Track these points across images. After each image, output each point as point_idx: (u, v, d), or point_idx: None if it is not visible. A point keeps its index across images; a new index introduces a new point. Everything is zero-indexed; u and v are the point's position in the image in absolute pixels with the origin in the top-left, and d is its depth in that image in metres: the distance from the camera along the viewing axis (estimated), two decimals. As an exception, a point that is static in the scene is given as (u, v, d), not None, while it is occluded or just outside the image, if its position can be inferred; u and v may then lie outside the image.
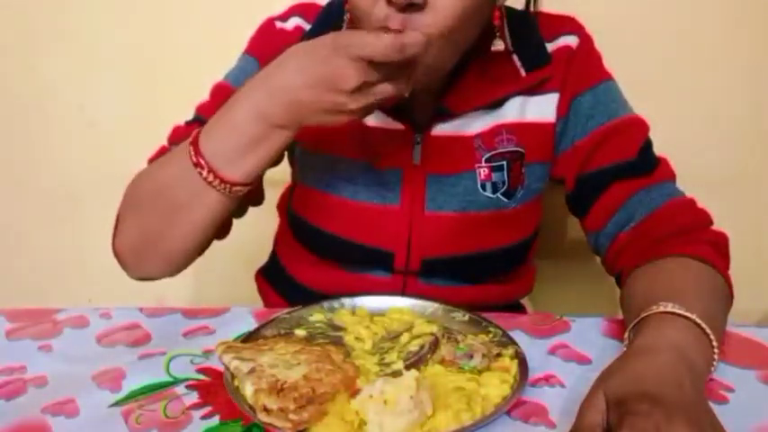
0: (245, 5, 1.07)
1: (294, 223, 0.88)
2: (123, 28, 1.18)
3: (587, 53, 0.81)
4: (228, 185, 0.65)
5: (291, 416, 0.54)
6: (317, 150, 0.82)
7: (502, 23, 0.76)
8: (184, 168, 0.65)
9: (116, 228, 0.75)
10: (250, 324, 0.73)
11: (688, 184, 0.79)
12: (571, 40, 0.80)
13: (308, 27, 0.82)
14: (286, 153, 0.89)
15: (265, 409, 0.55)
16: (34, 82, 1.23)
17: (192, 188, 0.65)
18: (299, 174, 0.87)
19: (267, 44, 0.83)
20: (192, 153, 0.64)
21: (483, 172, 0.79)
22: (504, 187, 0.80)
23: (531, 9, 0.78)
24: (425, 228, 0.80)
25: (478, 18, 0.69)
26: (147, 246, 0.72)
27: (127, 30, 1.18)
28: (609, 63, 0.83)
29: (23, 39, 1.20)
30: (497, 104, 0.79)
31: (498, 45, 0.74)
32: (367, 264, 0.84)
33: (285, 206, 0.93)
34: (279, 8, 0.86)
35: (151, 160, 0.79)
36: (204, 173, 0.64)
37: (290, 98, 0.61)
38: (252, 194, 0.75)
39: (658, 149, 0.80)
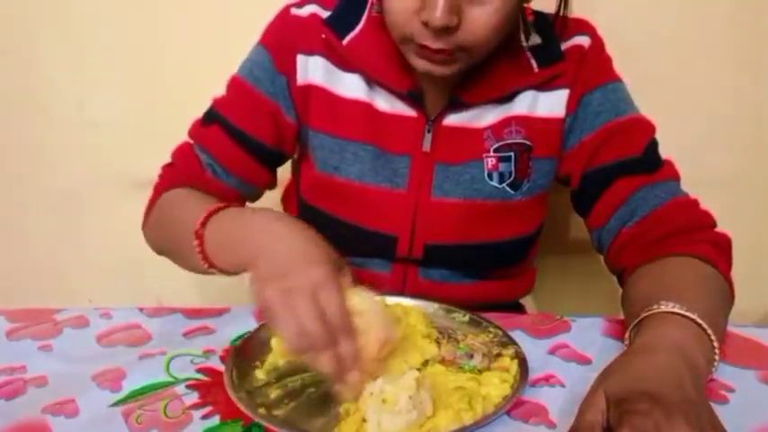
0: (246, 5, 1.08)
1: (301, 209, 0.88)
2: (124, 28, 1.18)
3: (598, 53, 0.82)
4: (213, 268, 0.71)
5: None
6: (327, 132, 0.83)
7: (534, 19, 0.79)
8: (189, 235, 0.70)
9: (145, 217, 0.86)
10: (250, 324, 0.73)
11: (688, 184, 0.79)
12: (583, 40, 0.81)
13: (324, 14, 0.82)
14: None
15: None
16: (34, 82, 1.23)
17: (191, 251, 0.71)
18: (307, 155, 0.87)
19: (281, 33, 0.84)
20: (197, 241, 0.70)
21: (490, 162, 0.80)
22: (511, 178, 0.81)
23: (561, 13, 0.79)
24: (430, 213, 0.81)
25: (512, 22, 0.72)
26: (162, 252, 0.85)
27: (127, 30, 1.18)
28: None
29: (24, 38, 1.20)
30: (509, 98, 0.80)
31: (534, 39, 0.78)
32: (369, 251, 0.84)
33: (289, 198, 0.94)
34: (281, 8, 0.86)
35: (174, 155, 0.87)
36: (201, 257, 0.70)
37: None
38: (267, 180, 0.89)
39: (659, 150, 0.80)
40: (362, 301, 0.60)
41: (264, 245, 0.64)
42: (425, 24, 0.67)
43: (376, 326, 0.59)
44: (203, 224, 0.69)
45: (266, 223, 0.66)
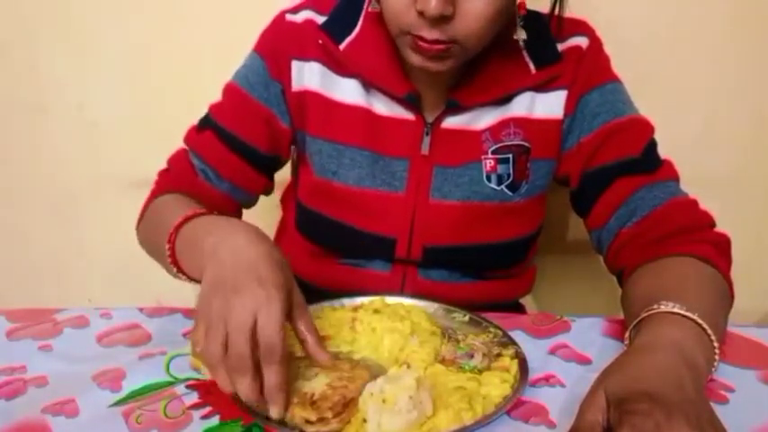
0: (247, 5, 1.08)
1: (299, 212, 0.88)
2: (124, 28, 1.18)
3: (596, 54, 0.82)
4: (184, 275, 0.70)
5: (333, 422, 0.55)
6: (325, 137, 0.83)
7: (525, 15, 0.78)
8: (165, 238, 0.69)
9: (138, 221, 0.85)
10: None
11: (688, 184, 0.79)
12: (581, 41, 0.81)
13: (320, 19, 0.82)
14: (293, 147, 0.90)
15: (307, 422, 0.55)
16: (35, 81, 1.23)
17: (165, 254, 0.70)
18: (305, 160, 0.86)
19: (276, 39, 0.84)
20: (168, 244, 0.69)
21: (489, 163, 0.80)
22: (509, 180, 0.81)
23: (556, 12, 0.79)
24: (429, 215, 0.81)
25: (506, 14, 0.72)
26: (150, 255, 0.81)
27: (127, 30, 1.18)
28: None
29: (24, 38, 1.20)
30: (507, 99, 0.80)
31: (521, 35, 0.77)
32: (368, 253, 0.84)
33: (289, 199, 0.94)
34: (281, 8, 0.86)
35: (170, 161, 0.87)
36: (170, 261, 0.69)
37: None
38: (261, 186, 0.88)
39: (658, 150, 0.80)
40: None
41: (214, 253, 0.61)
42: (421, 14, 0.67)
43: (360, 380, 0.59)
44: (178, 228, 0.68)
45: (225, 233, 0.63)
